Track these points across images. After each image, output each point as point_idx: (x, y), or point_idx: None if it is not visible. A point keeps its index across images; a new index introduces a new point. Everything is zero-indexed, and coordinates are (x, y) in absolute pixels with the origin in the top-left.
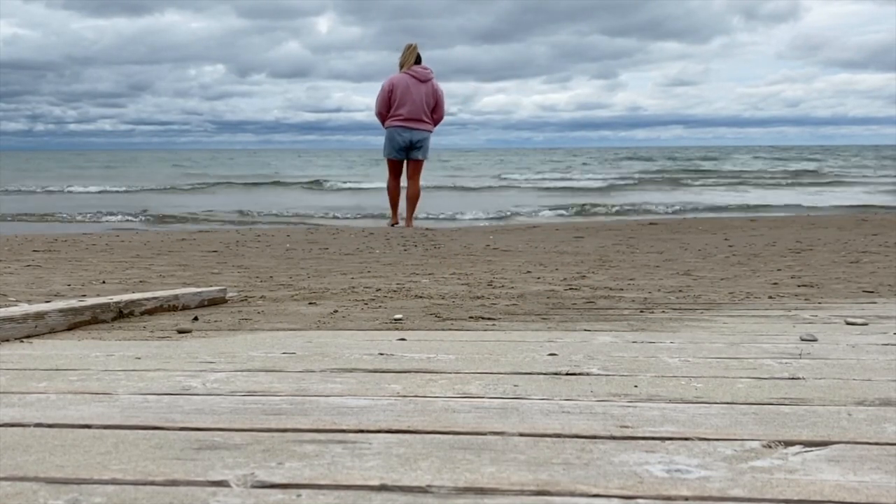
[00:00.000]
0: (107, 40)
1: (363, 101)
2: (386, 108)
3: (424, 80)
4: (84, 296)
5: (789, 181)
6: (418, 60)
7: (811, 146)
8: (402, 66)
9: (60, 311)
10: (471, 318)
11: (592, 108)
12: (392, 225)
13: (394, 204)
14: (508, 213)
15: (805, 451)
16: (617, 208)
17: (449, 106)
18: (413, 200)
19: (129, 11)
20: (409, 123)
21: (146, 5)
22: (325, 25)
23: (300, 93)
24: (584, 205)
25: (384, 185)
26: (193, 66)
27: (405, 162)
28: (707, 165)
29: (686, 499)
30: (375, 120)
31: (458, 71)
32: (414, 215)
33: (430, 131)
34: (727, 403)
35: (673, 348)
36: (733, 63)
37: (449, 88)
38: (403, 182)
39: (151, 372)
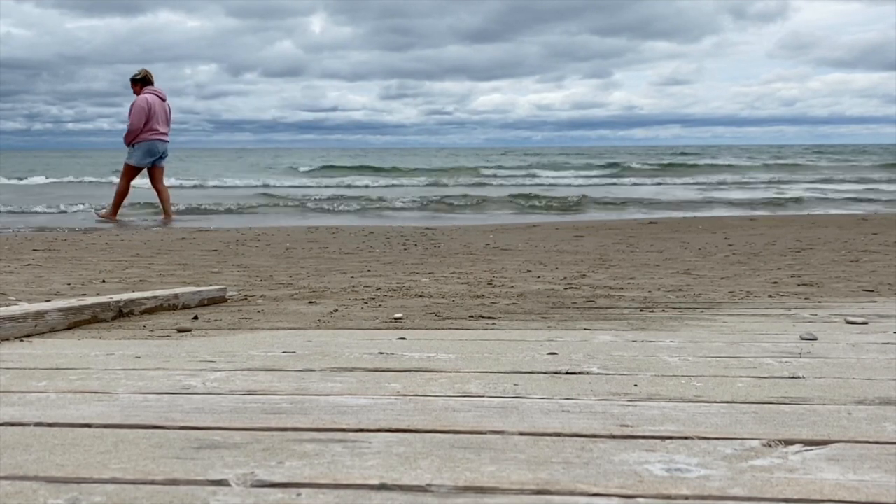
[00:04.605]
0: (100, 40)
1: (359, 100)
2: (145, 123)
3: (163, 99)
4: (84, 295)
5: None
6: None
7: (810, 145)
8: (140, 84)
9: (60, 310)
10: (471, 317)
11: (588, 108)
12: (110, 218)
13: (121, 203)
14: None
15: (805, 451)
16: None
17: (445, 105)
18: (169, 197)
19: (121, 11)
20: (163, 137)
21: (139, 5)
22: (317, 25)
23: (296, 92)
24: None
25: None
26: (188, 66)
27: (149, 168)
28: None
29: (686, 498)
30: (373, 120)
31: (451, 70)
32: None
33: (169, 142)
34: (727, 402)
35: (673, 347)
36: (726, 62)
37: (444, 87)
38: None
39: (151, 371)
